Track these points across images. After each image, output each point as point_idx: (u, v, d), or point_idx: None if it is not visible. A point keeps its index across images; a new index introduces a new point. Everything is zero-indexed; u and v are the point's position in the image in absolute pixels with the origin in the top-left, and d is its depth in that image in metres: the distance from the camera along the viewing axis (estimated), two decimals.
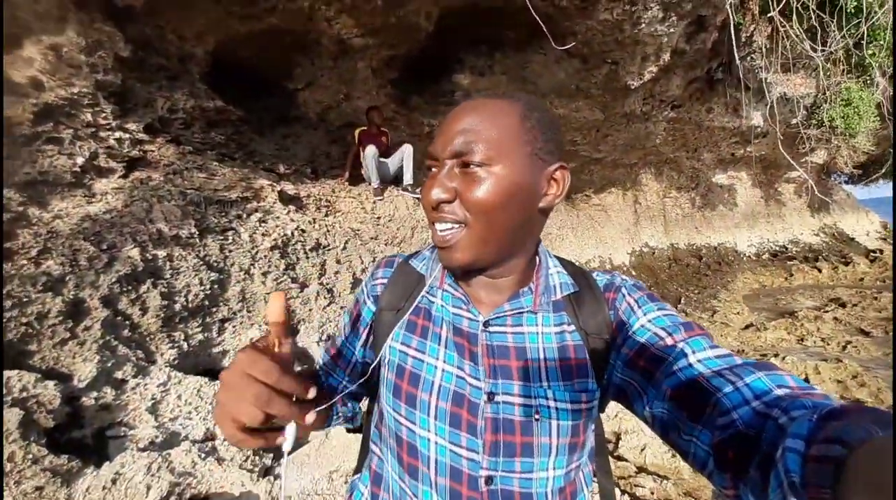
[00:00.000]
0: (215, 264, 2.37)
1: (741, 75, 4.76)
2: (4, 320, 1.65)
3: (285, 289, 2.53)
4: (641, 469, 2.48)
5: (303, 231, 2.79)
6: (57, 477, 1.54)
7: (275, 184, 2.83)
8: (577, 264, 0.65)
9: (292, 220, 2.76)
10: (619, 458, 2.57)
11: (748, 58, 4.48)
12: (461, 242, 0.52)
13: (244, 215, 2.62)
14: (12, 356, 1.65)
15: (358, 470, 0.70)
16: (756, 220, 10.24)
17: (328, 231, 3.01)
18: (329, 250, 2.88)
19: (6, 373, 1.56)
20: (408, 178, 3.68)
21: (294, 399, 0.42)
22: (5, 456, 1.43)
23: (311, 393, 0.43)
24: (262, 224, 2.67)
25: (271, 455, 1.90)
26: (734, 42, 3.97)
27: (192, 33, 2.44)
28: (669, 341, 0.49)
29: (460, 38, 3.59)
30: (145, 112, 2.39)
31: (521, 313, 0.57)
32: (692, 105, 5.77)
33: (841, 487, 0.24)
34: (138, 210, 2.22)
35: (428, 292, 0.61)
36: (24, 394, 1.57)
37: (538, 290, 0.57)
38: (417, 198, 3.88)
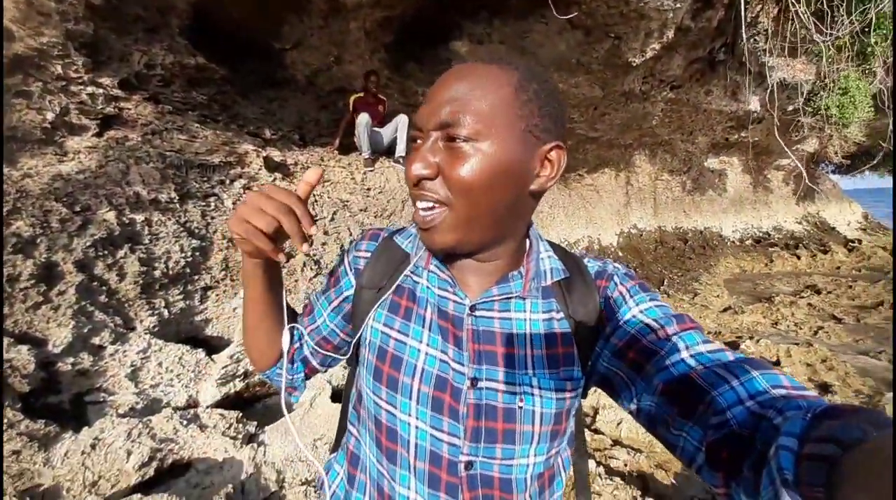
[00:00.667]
0: (197, 231, 2.29)
1: (746, 57, 4.67)
2: None
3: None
4: (616, 442, 2.58)
5: None
6: (34, 441, 1.52)
7: (260, 149, 2.72)
8: (568, 248, 0.62)
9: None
10: (596, 431, 2.67)
11: (752, 39, 4.38)
12: (442, 223, 0.48)
13: (227, 181, 2.53)
14: None
15: (335, 449, 0.69)
16: (743, 206, 10.37)
17: (316, 201, 2.93)
18: (317, 220, 2.81)
19: None
20: (400, 149, 3.58)
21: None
22: None
23: (313, 230, 0.49)
24: (247, 191, 2.58)
25: (255, 423, 1.91)
26: (743, 20, 3.86)
27: None
28: (661, 333, 0.48)
29: (459, 2, 3.41)
30: (120, 66, 2.24)
31: (510, 298, 0.54)
32: (691, 86, 5.68)
33: (835, 486, 0.24)
34: (114, 171, 2.12)
35: (413, 272, 0.58)
36: None
37: (528, 275, 0.55)
38: None
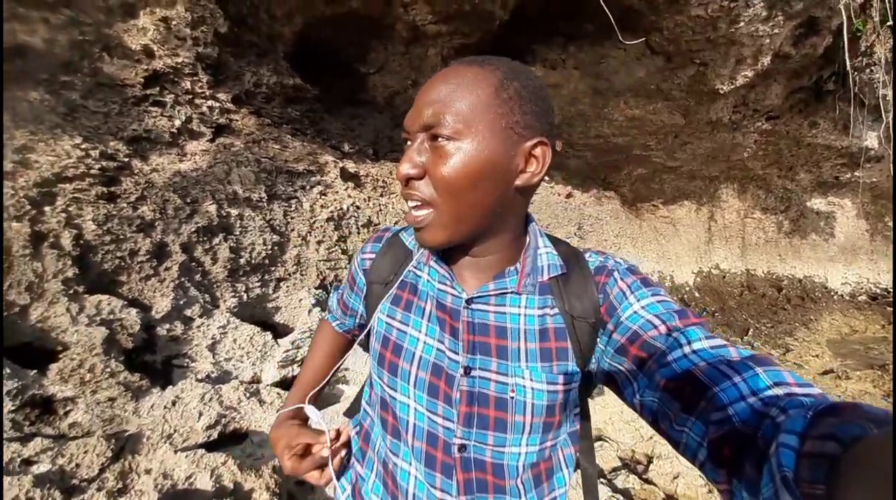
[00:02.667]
0: (278, 228, 2.58)
1: (859, 88, 4.16)
2: (103, 252, 1.94)
3: (334, 259, 2.69)
4: (670, 498, 2.34)
5: (357, 207, 2.94)
6: (128, 392, 1.79)
7: (338, 160, 3.00)
8: (571, 244, 0.62)
9: (349, 196, 2.92)
10: (648, 481, 2.44)
11: (866, 69, 3.90)
12: (431, 222, 0.50)
13: (308, 187, 2.81)
14: (105, 283, 1.93)
15: (351, 414, 0.79)
16: (856, 255, 8.96)
17: (381, 210, 3.13)
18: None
19: (97, 297, 1.83)
20: None
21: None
22: (83, 368, 1.69)
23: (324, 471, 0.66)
24: (322, 197, 2.85)
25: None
26: (847, 50, 3.47)
27: (283, 13, 2.64)
28: (663, 329, 0.48)
29: (535, 29, 3.52)
30: (234, 84, 2.64)
31: (505, 293, 0.56)
32: (792, 118, 5.16)
33: (835, 483, 0.24)
34: (219, 172, 2.48)
35: (415, 267, 0.63)
36: (111, 316, 1.83)
37: (524, 270, 0.56)
38: None
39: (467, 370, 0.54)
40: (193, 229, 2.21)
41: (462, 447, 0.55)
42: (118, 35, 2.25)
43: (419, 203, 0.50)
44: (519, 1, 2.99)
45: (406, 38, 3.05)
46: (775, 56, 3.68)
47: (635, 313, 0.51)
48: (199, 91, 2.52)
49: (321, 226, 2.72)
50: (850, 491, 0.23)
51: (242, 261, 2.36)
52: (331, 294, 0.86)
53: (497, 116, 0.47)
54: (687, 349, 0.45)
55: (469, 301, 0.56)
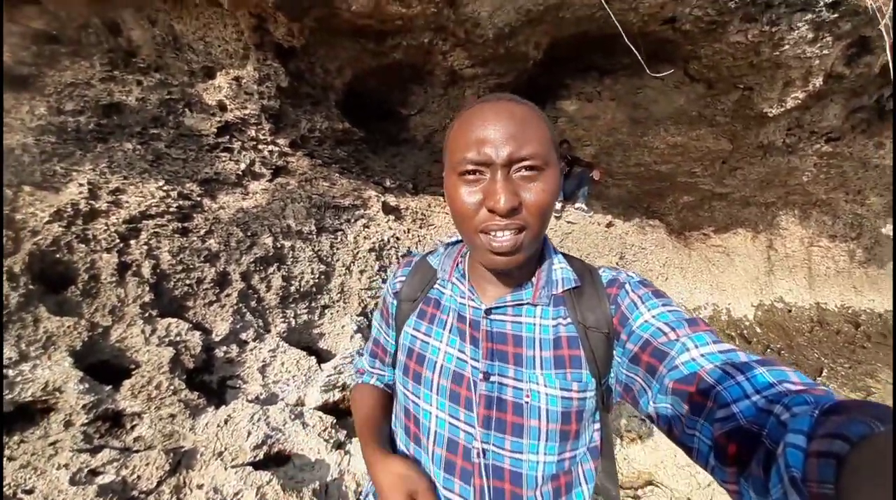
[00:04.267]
0: (325, 259, 2.75)
1: None
2: (175, 280, 2.17)
3: (375, 288, 2.81)
4: None
5: (398, 238, 3.08)
6: (187, 409, 1.93)
7: (380, 195, 3.19)
8: (584, 261, 0.67)
9: (390, 228, 3.07)
10: None
11: None
12: (522, 245, 0.53)
13: (352, 220, 3.01)
14: (175, 308, 2.15)
15: None
16: None
17: (419, 241, 3.26)
18: None
19: (167, 320, 2.04)
20: (581, 199, 4.62)
21: None
22: (151, 385, 1.86)
23: None
24: (366, 229, 3.02)
25: (345, 432, 2.11)
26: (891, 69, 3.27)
27: (335, 67, 2.96)
28: (672, 336, 0.49)
29: (568, 66, 3.64)
30: (292, 131, 2.95)
31: (522, 304, 0.61)
32: (855, 138, 4.84)
33: (842, 482, 0.24)
34: (276, 208, 2.72)
35: (439, 285, 0.69)
36: (178, 338, 2.03)
37: (539, 283, 0.61)
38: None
39: (486, 376, 0.58)
40: (252, 260, 2.43)
41: (482, 453, 0.56)
42: (198, 93, 2.61)
43: (516, 231, 0.53)
44: (552, 41, 3.14)
45: (444, 82, 3.27)
46: (828, 77, 3.53)
47: (646, 322, 0.53)
48: (262, 138, 2.83)
49: (363, 256, 2.87)
50: (857, 489, 0.23)
51: (292, 289, 2.53)
52: (360, 357, 0.86)
53: (553, 145, 0.55)
54: (695, 353, 0.46)
55: (488, 311, 0.61)
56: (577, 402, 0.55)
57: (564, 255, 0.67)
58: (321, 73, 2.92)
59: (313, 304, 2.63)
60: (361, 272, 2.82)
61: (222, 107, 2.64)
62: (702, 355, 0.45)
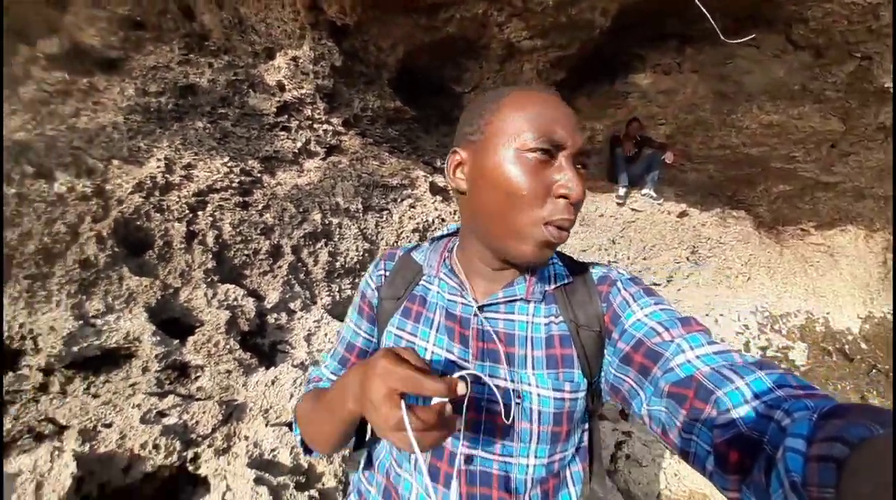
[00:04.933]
0: (370, 237, 2.82)
1: None
2: (234, 250, 2.36)
3: None
4: None
5: (442, 220, 3.06)
6: (241, 367, 2.12)
7: (429, 175, 3.18)
8: (577, 259, 0.65)
9: (436, 208, 3.05)
10: None
11: None
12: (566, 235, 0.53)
13: (399, 199, 3.03)
14: (233, 276, 2.35)
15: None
16: None
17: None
18: None
19: (226, 286, 2.23)
20: (650, 185, 4.30)
21: None
22: (211, 343, 2.05)
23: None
24: (412, 209, 3.04)
25: None
26: None
27: (388, 44, 2.94)
28: (666, 336, 0.48)
29: (641, 34, 3.27)
30: (345, 110, 3.01)
31: (514, 301, 0.58)
32: None
33: (842, 485, 0.24)
34: (327, 186, 2.83)
35: (425, 281, 0.65)
36: (235, 303, 2.22)
37: (531, 279, 0.59)
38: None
39: (476, 377, 0.54)
40: (302, 235, 2.56)
41: (468, 459, 0.54)
42: (260, 74, 2.76)
43: (570, 222, 0.51)
44: (620, 7, 2.82)
45: (500, 56, 3.12)
46: None
47: (638, 320, 0.51)
48: (317, 117, 2.93)
49: (407, 236, 2.89)
50: (857, 493, 0.23)
51: (338, 264, 2.64)
52: (316, 367, 0.76)
53: None
54: (690, 354, 0.45)
55: (480, 309, 0.58)
56: (570, 403, 0.54)
57: (557, 253, 0.64)
58: (374, 51, 2.92)
59: (356, 280, 2.72)
60: None
61: (281, 87, 2.76)
62: (697, 357, 0.44)
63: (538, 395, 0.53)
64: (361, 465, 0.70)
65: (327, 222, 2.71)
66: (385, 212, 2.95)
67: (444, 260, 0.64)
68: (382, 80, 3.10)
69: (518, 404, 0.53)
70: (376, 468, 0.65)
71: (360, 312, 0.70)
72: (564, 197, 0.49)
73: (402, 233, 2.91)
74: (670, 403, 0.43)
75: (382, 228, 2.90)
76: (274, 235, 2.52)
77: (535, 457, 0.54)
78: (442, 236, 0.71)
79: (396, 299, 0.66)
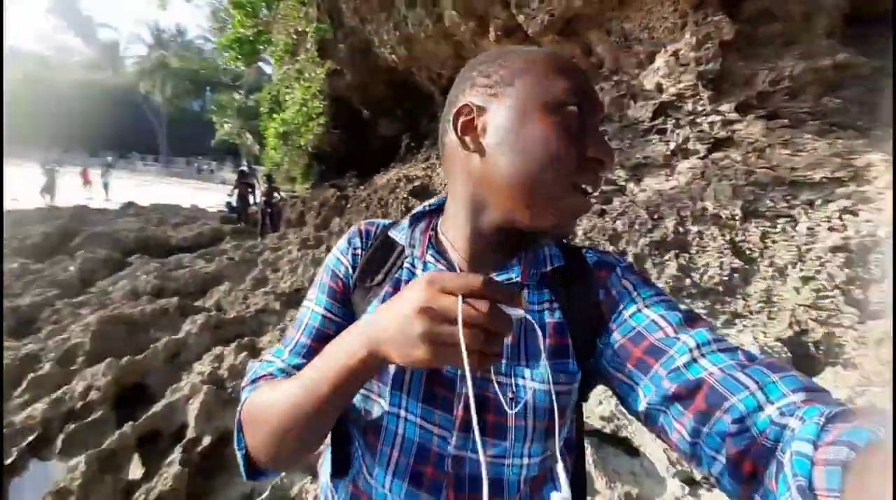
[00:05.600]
0: (746, 252, 2.10)
1: None
2: None
3: (825, 308, 1.77)
4: None
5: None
6: None
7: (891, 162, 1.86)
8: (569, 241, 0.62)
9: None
10: None
11: None
12: None
13: (818, 201, 2.00)
14: None
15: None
16: None
17: None
18: None
19: None
20: None
21: None
22: None
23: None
24: (843, 215, 1.91)
25: None
26: None
27: None
28: (670, 331, 0.45)
29: None
30: (740, 91, 2.37)
31: (509, 284, 0.53)
32: None
33: (847, 488, 0.25)
34: (695, 189, 2.39)
35: (409, 264, 0.57)
36: None
37: (526, 262, 0.54)
38: None
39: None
40: (647, 242, 2.35)
41: (457, 461, 0.49)
42: (640, 83, 2.76)
43: (597, 189, 0.51)
44: None
45: None
46: None
47: (639, 311, 0.49)
48: (700, 110, 2.51)
49: (818, 256, 1.86)
50: (860, 495, 0.23)
51: (688, 282, 2.19)
52: (260, 363, 0.60)
53: None
54: (696, 353, 0.43)
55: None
56: (565, 396, 0.50)
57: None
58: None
59: (717, 306, 2.12)
60: (805, 280, 1.87)
61: (659, 88, 2.62)
62: (703, 356, 0.42)
63: (534, 389, 0.49)
64: (329, 472, 0.58)
65: (682, 231, 2.30)
66: (783, 219, 2.05)
67: (430, 241, 0.57)
68: (812, 32, 2.13)
69: (513, 399, 0.49)
70: (348, 476, 0.56)
71: (332, 294, 0.58)
72: (598, 161, 0.47)
73: (808, 251, 1.92)
74: (674, 405, 0.42)
75: (774, 241, 2.05)
76: (620, 242, 2.49)
77: (530, 456, 0.49)
78: (423, 213, 0.62)
79: (376, 284, 0.57)
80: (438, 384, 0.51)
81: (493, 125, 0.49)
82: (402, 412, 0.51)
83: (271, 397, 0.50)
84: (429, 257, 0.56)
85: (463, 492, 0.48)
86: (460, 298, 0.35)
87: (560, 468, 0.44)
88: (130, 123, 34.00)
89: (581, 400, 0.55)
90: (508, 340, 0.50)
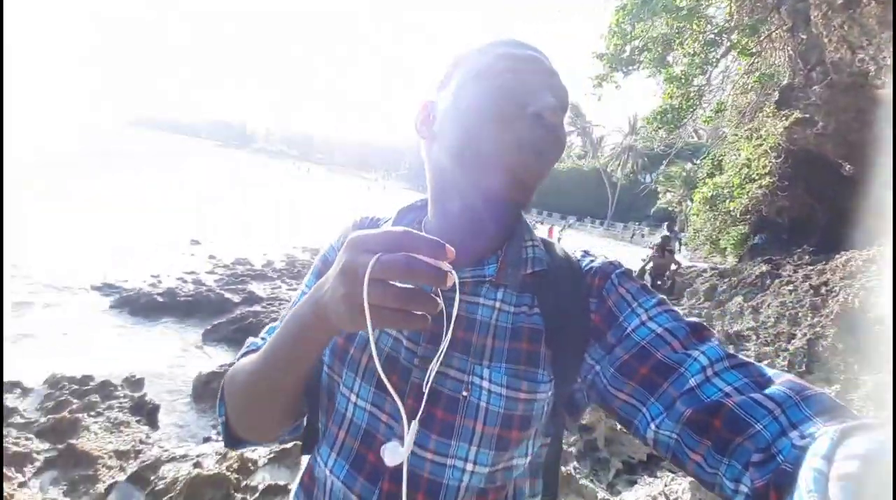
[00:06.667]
0: None
1: None
2: None
3: None
4: None
5: None
6: None
7: None
8: (559, 245, 0.58)
9: None
10: None
11: None
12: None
13: None
14: None
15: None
16: None
17: None
18: None
19: None
20: None
21: None
22: None
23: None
24: None
25: None
26: None
27: None
28: (678, 346, 0.44)
29: None
30: None
31: (482, 282, 0.52)
32: None
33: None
34: None
35: None
36: None
37: (504, 259, 0.53)
38: None
39: (424, 362, 0.49)
40: None
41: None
42: None
43: (545, 146, 0.53)
44: None
45: None
46: None
47: (643, 324, 0.46)
48: None
49: None
50: None
51: None
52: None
53: None
54: (710, 372, 0.41)
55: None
56: (523, 405, 0.48)
57: (542, 239, 0.58)
58: None
59: None
60: None
61: None
62: (717, 375, 0.41)
63: (488, 391, 0.47)
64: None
65: None
66: None
67: None
68: None
69: (465, 397, 0.47)
70: (314, 451, 0.56)
71: (322, 277, 0.53)
72: (538, 115, 0.47)
73: None
74: (689, 431, 0.39)
75: None
76: None
77: (475, 463, 0.46)
78: (411, 208, 0.63)
79: None
80: (393, 372, 0.49)
81: (440, 110, 0.53)
82: (353, 396, 0.50)
83: (242, 367, 0.52)
84: None
85: (398, 485, 0.43)
86: (378, 256, 0.32)
87: None
88: (593, 195, 42.87)
89: (574, 422, 0.52)
90: (474, 338, 0.48)
